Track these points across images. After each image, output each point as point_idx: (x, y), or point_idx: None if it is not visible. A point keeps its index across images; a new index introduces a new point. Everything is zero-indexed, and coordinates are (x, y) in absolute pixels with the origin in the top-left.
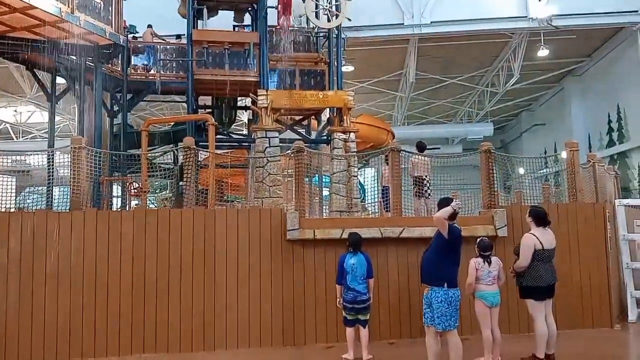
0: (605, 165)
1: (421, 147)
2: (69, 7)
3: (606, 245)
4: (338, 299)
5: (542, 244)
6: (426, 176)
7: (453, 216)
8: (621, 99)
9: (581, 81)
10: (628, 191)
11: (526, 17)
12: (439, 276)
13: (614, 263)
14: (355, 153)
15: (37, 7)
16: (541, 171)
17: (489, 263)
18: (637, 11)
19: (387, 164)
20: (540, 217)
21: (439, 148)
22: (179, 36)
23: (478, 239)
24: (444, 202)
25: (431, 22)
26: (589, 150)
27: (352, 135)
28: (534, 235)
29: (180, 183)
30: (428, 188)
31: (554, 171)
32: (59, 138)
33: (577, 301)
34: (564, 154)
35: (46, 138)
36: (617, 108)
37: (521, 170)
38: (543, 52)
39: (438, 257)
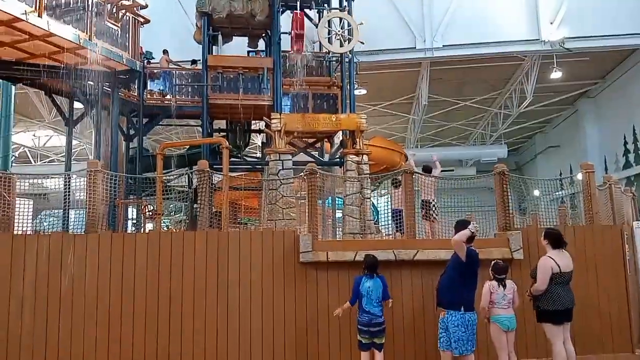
0: (622, 187)
1: (427, 169)
2: (87, 34)
3: (625, 267)
4: (341, 309)
5: (559, 267)
6: (433, 199)
7: (470, 239)
8: (636, 120)
9: (595, 103)
10: None
11: (538, 39)
12: (455, 299)
13: (634, 286)
14: (368, 175)
15: (56, 35)
16: (557, 193)
17: (504, 286)
18: None
19: (395, 187)
20: (557, 239)
21: (453, 170)
22: (194, 61)
23: (493, 262)
24: (461, 225)
25: (443, 46)
26: (604, 171)
27: (365, 157)
28: (551, 258)
29: (195, 205)
30: (434, 211)
31: (570, 193)
32: (75, 161)
33: (597, 325)
34: (579, 176)
35: (63, 161)
36: (633, 129)
37: (536, 192)
38: (556, 74)
39: (455, 280)
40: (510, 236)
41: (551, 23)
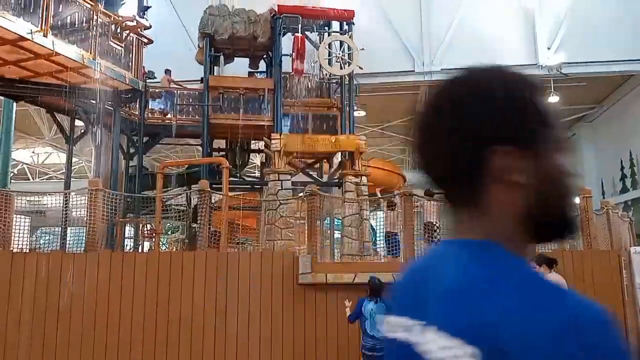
0: (619, 212)
1: (430, 193)
2: (91, 53)
3: (623, 293)
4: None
5: None
6: (436, 222)
7: None
8: (633, 145)
9: (592, 127)
10: None
11: (536, 64)
12: None
13: (631, 311)
14: (366, 196)
15: (60, 54)
16: None
17: None
18: None
19: (391, 208)
20: (550, 260)
21: None
22: (202, 80)
23: None
24: None
25: (441, 69)
26: (602, 196)
27: (364, 178)
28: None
29: (194, 225)
30: (438, 234)
31: None
32: (74, 179)
33: None
34: (577, 200)
35: (62, 179)
36: (630, 154)
37: None
38: (553, 99)
39: None
40: None
41: (548, 48)
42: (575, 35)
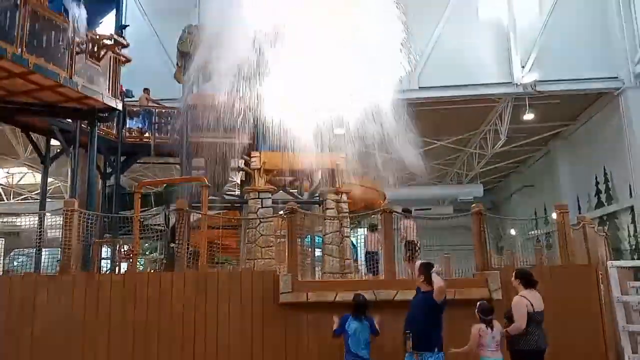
0: (595, 227)
1: (408, 211)
2: (67, 72)
3: (601, 307)
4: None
5: (532, 306)
6: (417, 241)
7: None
8: (607, 161)
9: (567, 144)
10: (619, 252)
11: (511, 82)
12: (431, 341)
13: (609, 326)
14: (347, 214)
15: (36, 73)
16: (532, 232)
17: (492, 328)
18: (616, 77)
19: (371, 231)
20: (528, 279)
21: (430, 209)
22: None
23: (478, 303)
24: (426, 268)
25: (419, 87)
26: (578, 211)
27: (344, 196)
28: (524, 297)
29: (172, 245)
30: (418, 252)
31: (545, 232)
32: (50, 199)
33: None
34: (554, 215)
35: (37, 199)
36: (604, 170)
37: (512, 232)
38: (529, 116)
39: (430, 322)
40: (488, 276)
41: (523, 66)
42: (549, 53)
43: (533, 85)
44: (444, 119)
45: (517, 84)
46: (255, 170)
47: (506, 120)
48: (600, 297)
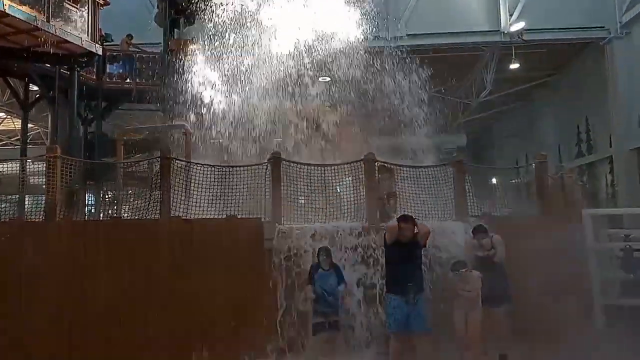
0: (573, 176)
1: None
2: (44, 15)
3: (574, 254)
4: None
5: None
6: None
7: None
8: (589, 111)
9: (551, 93)
10: (596, 201)
11: (498, 31)
12: (422, 283)
13: (586, 273)
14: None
15: (11, 15)
16: (512, 181)
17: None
18: (603, 27)
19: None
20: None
21: (412, 158)
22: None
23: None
24: (408, 218)
25: (407, 35)
26: (559, 160)
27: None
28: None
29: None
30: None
31: (525, 182)
32: (31, 145)
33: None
34: (532, 165)
35: (17, 145)
36: (586, 120)
37: (493, 181)
38: (514, 65)
39: (420, 267)
40: (466, 223)
41: (510, 15)
42: (537, 2)
43: (520, 34)
44: (429, 67)
45: (504, 32)
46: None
47: (492, 70)
48: (575, 245)
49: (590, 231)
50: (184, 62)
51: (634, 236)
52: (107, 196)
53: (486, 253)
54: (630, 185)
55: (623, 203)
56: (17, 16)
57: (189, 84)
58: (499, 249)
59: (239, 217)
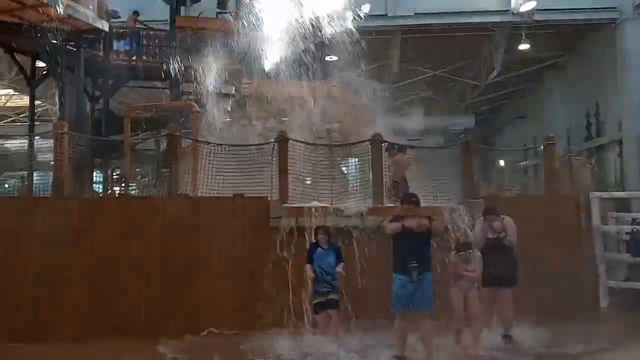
0: (582, 159)
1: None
2: None
3: (581, 236)
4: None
5: None
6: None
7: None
8: (599, 93)
9: (561, 75)
10: (604, 184)
11: (508, 10)
12: (430, 263)
13: (588, 253)
14: (339, 144)
15: None
16: (520, 164)
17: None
18: (615, 8)
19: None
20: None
21: (420, 139)
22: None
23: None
24: (412, 197)
25: (415, 14)
26: (567, 143)
27: (336, 125)
28: None
29: (163, 170)
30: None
31: (533, 164)
32: (38, 122)
33: (552, 289)
34: (543, 147)
35: (25, 122)
36: (596, 102)
37: (501, 163)
38: (524, 46)
39: (429, 247)
40: (473, 204)
41: None
42: None
43: (531, 14)
44: (438, 47)
45: (514, 12)
46: (247, 97)
47: (501, 50)
48: (581, 227)
49: (597, 214)
50: (190, 39)
51: None
52: (114, 173)
53: (497, 235)
54: (639, 169)
55: (631, 187)
56: None
57: (196, 62)
58: (509, 231)
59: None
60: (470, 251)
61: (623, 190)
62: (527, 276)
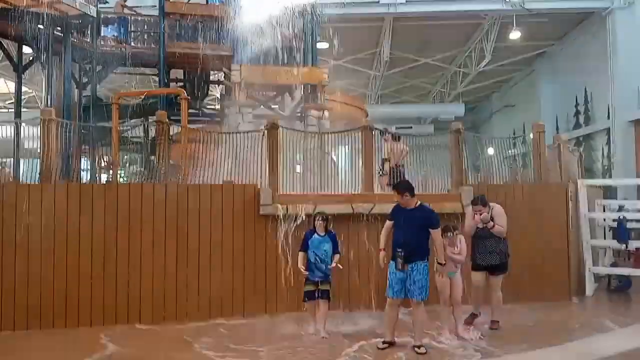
0: (570, 147)
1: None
2: None
3: (568, 223)
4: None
5: None
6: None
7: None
8: (588, 82)
9: (551, 64)
10: (591, 172)
11: None
12: (423, 252)
13: (574, 240)
14: (329, 131)
15: None
16: (509, 151)
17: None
18: None
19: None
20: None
21: (411, 127)
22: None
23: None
24: (407, 185)
25: (406, 1)
26: (556, 131)
27: (326, 113)
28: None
29: (151, 157)
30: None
31: (522, 152)
32: (25, 109)
33: (539, 275)
34: (532, 135)
35: (11, 109)
36: (585, 91)
37: (490, 151)
38: (515, 35)
39: (425, 235)
40: (462, 191)
41: None
42: None
43: (522, 3)
44: (429, 35)
45: (506, 0)
46: (236, 84)
47: (492, 38)
48: (568, 214)
49: (584, 201)
50: (179, 24)
51: (628, 207)
52: (102, 161)
53: (484, 225)
54: (627, 157)
55: (619, 174)
56: None
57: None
58: (498, 220)
59: (234, 183)
60: (457, 232)
61: (611, 178)
62: (514, 263)
